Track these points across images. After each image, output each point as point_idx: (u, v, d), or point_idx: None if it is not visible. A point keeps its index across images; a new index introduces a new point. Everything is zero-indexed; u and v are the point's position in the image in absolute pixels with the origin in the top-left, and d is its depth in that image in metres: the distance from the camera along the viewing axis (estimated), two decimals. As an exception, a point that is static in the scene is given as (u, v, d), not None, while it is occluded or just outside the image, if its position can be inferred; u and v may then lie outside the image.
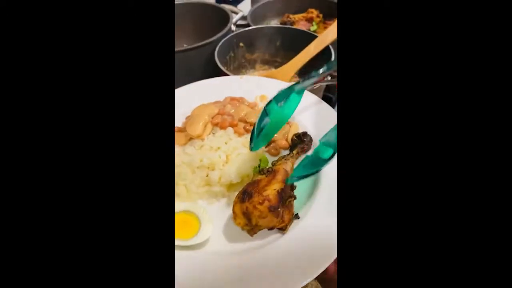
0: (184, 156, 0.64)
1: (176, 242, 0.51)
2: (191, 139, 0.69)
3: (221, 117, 0.70)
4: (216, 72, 0.86)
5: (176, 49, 0.78)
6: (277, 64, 0.97)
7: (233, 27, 0.94)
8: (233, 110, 0.74)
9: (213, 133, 0.68)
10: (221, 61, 0.82)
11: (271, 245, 0.52)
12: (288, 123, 0.73)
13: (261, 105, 0.78)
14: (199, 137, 0.67)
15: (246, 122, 0.71)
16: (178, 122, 0.74)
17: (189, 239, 0.51)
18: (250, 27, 0.95)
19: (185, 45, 0.83)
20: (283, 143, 0.69)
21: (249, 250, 0.52)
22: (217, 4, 0.99)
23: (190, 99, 0.78)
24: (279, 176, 0.54)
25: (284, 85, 0.78)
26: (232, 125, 0.69)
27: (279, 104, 0.59)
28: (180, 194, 0.59)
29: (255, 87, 0.81)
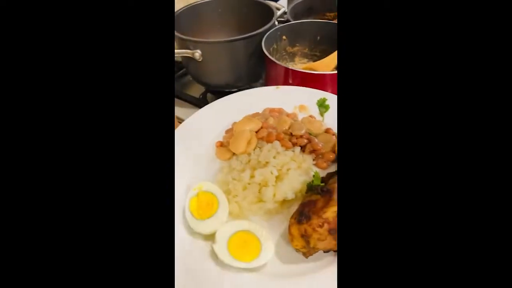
0: (232, 173, 0.63)
1: (240, 264, 0.51)
2: (234, 154, 0.68)
3: (267, 131, 0.69)
4: (260, 63, 0.89)
5: (225, 39, 0.84)
6: (316, 58, 0.99)
7: (276, 22, 0.97)
8: (275, 123, 0.72)
9: (259, 147, 0.67)
10: (267, 52, 0.84)
11: (327, 268, 0.51)
12: (334, 135, 0.71)
13: (301, 116, 0.76)
14: (243, 153, 0.66)
15: (292, 135, 0.69)
16: (219, 137, 0.74)
17: (252, 261, 0.51)
18: (294, 22, 0.98)
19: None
20: (332, 156, 0.67)
21: (305, 273, 0.51)
22: (262, 0, 1.04)
23: (228, 112, 0.77)
24: (336, 196, 0.53)
25: (321, 93, 0.77)
26: (279, 139, 0.67)
27: None
28: (233, 212, 0.59)
29: (293, 96, 0.80)
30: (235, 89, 0.95)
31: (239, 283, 0.50)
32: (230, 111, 0.77)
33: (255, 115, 0.76)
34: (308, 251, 0.51)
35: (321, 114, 0.76)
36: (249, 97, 0.81)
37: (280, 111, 0.77)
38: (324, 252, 0.53)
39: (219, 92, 0.99)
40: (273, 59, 0.82)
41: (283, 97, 0.80)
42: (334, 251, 0.52)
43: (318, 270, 0.51)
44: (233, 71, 0.93)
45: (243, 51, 0.89)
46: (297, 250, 0.52)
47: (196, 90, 1.09)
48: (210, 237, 0.55)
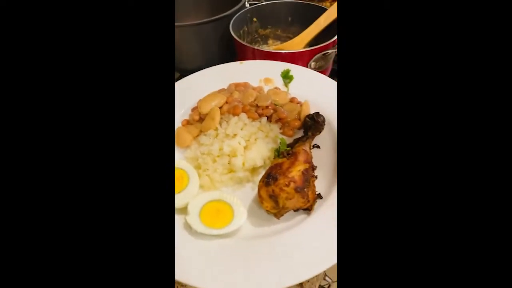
0: (201, 148, 0.64)
1: (213, 232, 0.52)
2: (202, 131, 0.68)
3: (232, 104, 0.70)
4: (230, 46, 0.87)
5: (192, 22, 0.81)
6: (289, 39, 0.98)
7: (247, 4, 0.95)
8: (240, 97, 0.73)
9: (226, 121, 0.67)
10: (235, 35, 0.82)
11: (298, 226, 0.53)
12: (299, 103, 0.73)
13: (267, 88, 0.77)
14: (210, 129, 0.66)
15: (258, 106, 0.70)
16: (185, 115, 0.74)
17: (224, 227, 0.52)
18: (264, 3, 0.96)
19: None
20: (297, 123, 0.69)
21: (277, 232, 0.53)
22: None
23: (193, 90, 0.77)
24: (301, 158, 0.55)
25: (286, 65, 0.78)
26: (245, 111, 0.68)
27: None
28: (204, 185, 0.60)
29: (258, 71, 0.80)
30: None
31: (213, 249, 0.51)
32: (194, 89, 0.77)
33: (221, 91, 0.76)
34: (278, 212, 0.53)
35: (286, 85, 0.77)
36: (213, 74, 0.81)
37: (245, 85, 0.78)
38: (294, 211, 0.55)
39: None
40: (240, 41, 0.81)
41: (247, 72, 0.81)
42: (303, 209, 0.55)
43: (289, 228, 0.53)
44: (204, 55, 0.92)
45: (213, 35, 0.87)
46: (269, 212, 0.54)
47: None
48: (183, 211, 0.56)
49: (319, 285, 0.60)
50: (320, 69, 0.81)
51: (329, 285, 0.88)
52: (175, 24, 0.85)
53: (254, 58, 0.82)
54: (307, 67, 0.80)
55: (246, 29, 0.95)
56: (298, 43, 0.90)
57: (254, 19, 0.96)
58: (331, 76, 0.91)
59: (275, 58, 0.79)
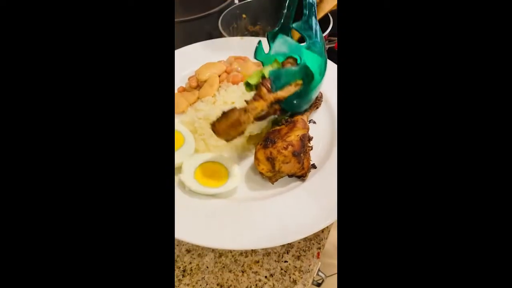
0: (198, 113, 0.63)
1: (207, 190, 0.51)
2: (199, 98, 0.68)
3: (232, 74, 0.69)
4: None
5: (180, 19, 0.79)
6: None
7: (236, 0, 0.93)
8: (239, 68, 0.73)
9: (225, 89, 0.67)
10: (225, 31, 0.81)
11: (291, 191, 0.54)
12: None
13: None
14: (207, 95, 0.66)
15: (256, 79, 0.70)
16: (182, 82, 0.73)
17: (219, 187, 0.52)
18: None
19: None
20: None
21: (272, 195, 0.54)
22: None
23: (190, 60, 0.76)
24: (299, 125, 0.55)
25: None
26: (244, 80, 0.68)
27: None
28: (200, 149, 0.59)
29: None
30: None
31: (207, 208, 0.51)
32: (192, 59, 0.76)
33: (220, 62, 0.76)
34: (273, 175, 0.53)
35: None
36: (212, 46, 0.81)
37: (245, 59, 0.78)
38: (289, 176, 0.55)
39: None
40: (228, 36, 0.80)
41: (248, 47, 0.80)
42: (297, 176, 0.55)
43: (283, 193, 0.54)
44: None
45: (202, 31, 0.85)
46: (263, 176, 0.54)
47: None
48: (177, 171, 0.55)
49: (313, 279, 0.61)
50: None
51: (323, 280, 0.89)
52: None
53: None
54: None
55: (236, 25, 0.93)
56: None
57: (244, 16, 0.94)
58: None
59: None
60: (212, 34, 0.84)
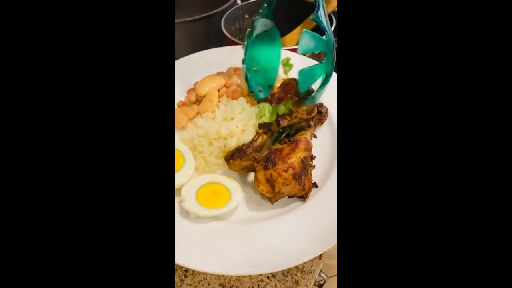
0: (197, 130, 0.62)
1: (210, 213, 0.51)
2: (198, 113, 0.67)
3: (231, 88, 0.68)
4: (221, 43, 0.85)
5: (183, 19, 0.78)
6: (282, 37, 0.96)
7: (239, 0, 0.92)
8: (239, 81, 0.72)
9: (225, 104, 0.66)
10: (227, 32, 0.81)
11: (293, 213, 0.53)
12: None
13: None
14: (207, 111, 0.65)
15: (257, 92, 0.69)
16: (181, 96, 0.72)
17: (222, 207, 0.51)
18: None
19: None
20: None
21: (272, 217, 0.53)
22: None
23: (190, 71, 0.75)
24: (302, 145, 0.55)
25: (287, 53, 0.78)
26: (244, 95, 0.67)
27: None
28: (199, 167, 0.59)
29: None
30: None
31: (208, 232, 0.50)
32: (191, 70, 0.75)
33: (219, 74, 0.75)
34: (273, 196, 0.53)
35: (285, 72, 0.77)
36: (212, 56, 0.79)
37: (245, 70, 0.77)
38: (289, 197, 0.55)
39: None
40: (232, 38, 0.79)
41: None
42: (298, 196, 0.55)
43: (283, 214, 0.53)
44: (196, 51, 0.87)
45: (204, 32, 0.84)
46: (263, 196, 0.54)
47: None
48: (177, 192, 0.54)
49: (315, 280, 0.61)
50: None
51: (324, 281, 0.89)
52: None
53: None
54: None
55: (238, 26, 0.93)
56: (291, 39, 0.88)
57: (246, 16, 0.94)
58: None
59: None
60: (215, 34, 0.84)
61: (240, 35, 0.94)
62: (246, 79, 0.61)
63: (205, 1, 0.96)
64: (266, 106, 0.60)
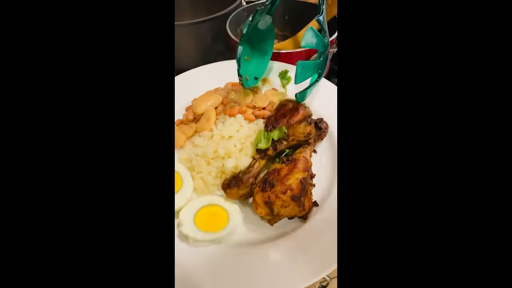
0: (195, 149, 0.62)
1: (209, 236, 0.50)
2: (196, 131, 0.66)
3: (229, 105, 0.68)
4: (227, 45, 0.86)
5: (188, 21, 0.80)
6: (286, 38, 0.97)
7: (244, 2, 0.93)
8: (237, 97, 0.71)
9: (222, 122, 0.65)
10: (232, 33, 0.81)
11: (293, 234, 0.52)
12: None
13: (265, 89, 0.76)
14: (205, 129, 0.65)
15: (255, 107, 0.69)
16: (179, 114, 0.72)
17: (221, 230, 0.51)
18: (260, 1, 0.95)
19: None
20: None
21: (271, 239, 0.52)
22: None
23: (187, 88, 0.74)
24: (300, 165, 0.54)
25: (285, 66, 0.77)
26: (241, 112, 0.67)
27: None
28: (198, 187, 0.58)
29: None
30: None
31: (207, 256, 0.50)
32: (189, 87, 0.74)
33: (217, 90, 0.74)
34: (272, 218, 0.52)
35: (283, 86, 0.76)
36: (209, 72, 0.79)
37: (242, 85, 0.76)
38: (289, 219, 0.54)
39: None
40: (237, 40, 0.78)
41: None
42: (299, 217, 0.54)
43: (282, 236, 0.52)
44: (201, 54, 0.90)
45: (209, 33, 0.85)
46: (262, 218, 0.53)
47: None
48: (175, 214, 0.54)
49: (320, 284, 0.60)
50: (318, 69, 0.80)
51: (328, 283, 0.88)
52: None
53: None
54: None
55: (243, 27, 0.93)
56: (295, 42, 0.88)
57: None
58: (330, 76, 0.90)
59: (272, 57, 0.77)
60: (220, 36, 0.85)
61: (244, 38, 0.95)
62: (238, 63, 0.63)
63: (210, 3, 0.98)
64: (262, 133, 0.59)
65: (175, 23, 0.78)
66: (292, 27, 0.96)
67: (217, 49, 0.88)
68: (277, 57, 0.78)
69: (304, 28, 0.87)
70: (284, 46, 0.89)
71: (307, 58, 0.78)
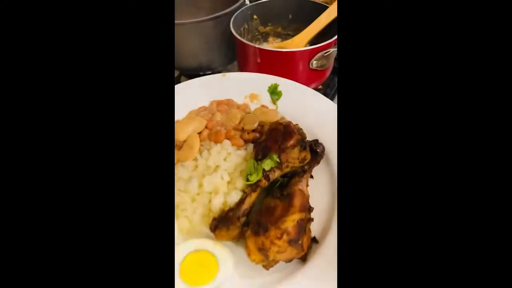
0: (178, 183, 0.55)
1: None
2: (179, 161, 0.59)
3: (214, 130, 0.61)
4: (231, 44, 0.84)
5: (192, 20, 0.78)
6: (289, 37, 0.96)
7: (247, 1, 0.92)
8: (223, 119, 0.64)
9: (207, 149, 0.59)
10: (236, 32, 0.79)
11: (292, 279, 0.47)
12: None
13: (253, 106, 0.69)
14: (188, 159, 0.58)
15: (243, 130, 0.62)
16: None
17: (210, 283, 0.45)
18: (264, 0, 0.94)
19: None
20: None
21: (266, 285, 0.47)
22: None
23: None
24: (297, 202, 0.48)
25: (274, 79, 0.71)
26: (228, 137, 0.60)
27: None
28: (183, 228, 0.51)
29: (242, 84, 0.72)
30: (209, 72, 0.89)
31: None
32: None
33: (201, 109, 0.68)
34: (268, 264, 0.46)
35: (274, 102, 0.70)
36: (193, 88, 0.72)
37: (229, 103, 0.69)
38: (286, 262, 0.48)
39: (193, 75, 0.90)
40: (241, 38, 0.77)
41: (231, 86, 0.72)
42: (298, 258, 0.48)
43: (281, 280, 0.47)
44: (204, 52, 0.87)
45: (213, 32, 0.83)
46: (257, 263, 0.47)
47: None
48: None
49: None
50: (322, 68, 0.78)
51: None
52: (175, 21, 0.79)
53: (254, 57, 0.77)
54: (308, 66, 0.75)
55: (247, 26, 0.93)
56: (299, 41, 0.85)
57: (255, 17, 0.94)
58: (333, 74, 0.88)
59: (275, 57, 0.75)
60: (224, 35, 0.83)
61: (248, 36, 0.94)
62: None
63: (214, 2, 0.97)
64: (252, 163, 0.52)
65: (178, 22, 0.76)
66: (296, 27, 0.94)
67: (220, 48, 0.87)
68: (280, 56, 0.74)
69: (308, 27, 0.84)
70: (287, 45, 0.85)
71: (311, 58, 0.73)
